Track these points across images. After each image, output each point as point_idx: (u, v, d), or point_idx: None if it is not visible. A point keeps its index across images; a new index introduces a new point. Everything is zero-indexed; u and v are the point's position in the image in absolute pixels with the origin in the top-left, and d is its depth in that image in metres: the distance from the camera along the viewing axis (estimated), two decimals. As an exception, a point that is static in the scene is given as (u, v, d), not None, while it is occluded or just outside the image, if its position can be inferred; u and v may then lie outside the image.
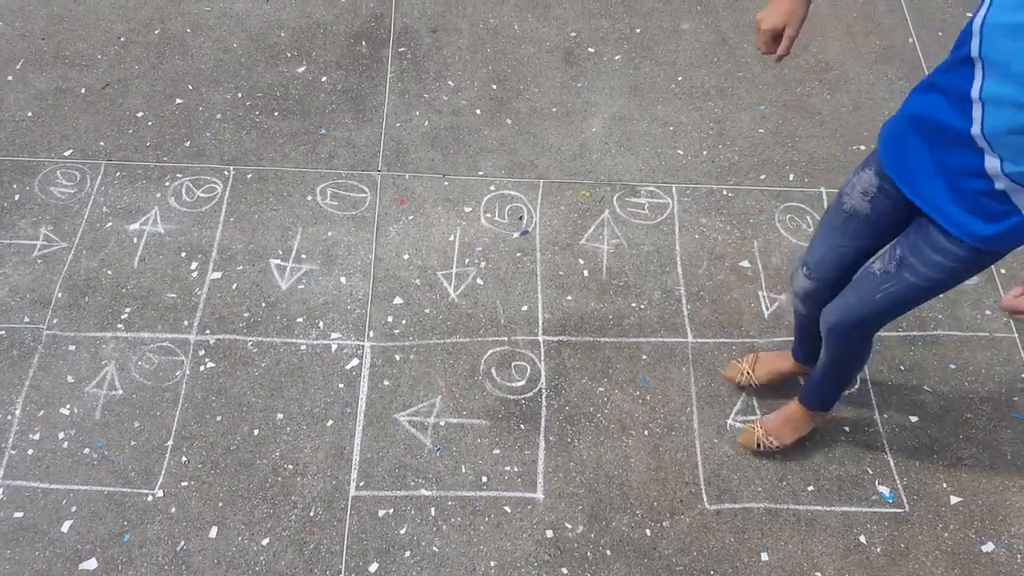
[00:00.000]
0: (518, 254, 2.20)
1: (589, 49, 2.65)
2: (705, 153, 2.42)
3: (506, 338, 2.05)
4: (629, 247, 2.21)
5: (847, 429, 1.93)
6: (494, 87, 2.54)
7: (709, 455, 1.88)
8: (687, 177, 2.36)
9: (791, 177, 2.39)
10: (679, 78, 2.60)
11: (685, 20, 2.76)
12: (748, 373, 1.92)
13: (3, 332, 1.99)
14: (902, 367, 2.03)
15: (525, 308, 2.10)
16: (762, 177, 2.38)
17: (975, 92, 1.12)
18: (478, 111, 2.48)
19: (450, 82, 2.54)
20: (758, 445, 1.84)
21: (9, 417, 1.87)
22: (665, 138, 2.45)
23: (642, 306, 2.11)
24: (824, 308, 1.57)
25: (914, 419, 1.95)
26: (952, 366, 2.04)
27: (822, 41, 2.73)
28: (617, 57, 2.64)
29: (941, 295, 1.45)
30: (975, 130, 1.15)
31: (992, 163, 1.17)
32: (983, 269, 1.36)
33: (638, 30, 2.71)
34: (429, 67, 2.58)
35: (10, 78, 2.49)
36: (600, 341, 2.04)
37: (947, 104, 1.19)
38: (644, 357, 2.02)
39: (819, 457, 1.88)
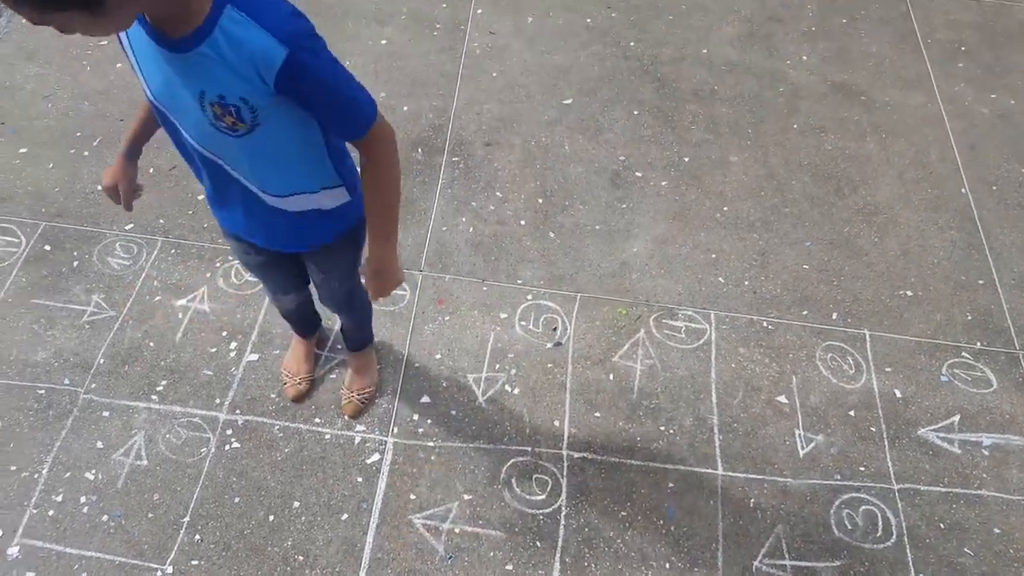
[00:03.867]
0: (549, 365, 2.48)
1: (636, 173, 3.06)
2: (747, 283, 2.73)
3: (529, 449, 2.28)
4: (663, 369, 2.47)
5: (881, 584, 2.06)
6: (540, 201, 2.94)
7: (732, 596, 2.03)
8: (727, 305, 2.66)
9: (834, 316, 2.66)
10: (724, 208, 2.96)
11: (734, 153, 3.17)
12: (303, 381, 2.35)
13: (43, 391, 2.31)
14: (942, 525, 2.18)
15: (551, 420, 2.34)
16: (804, 313, 2.66)
17: None
18: (523, 222, 2.87)
19: (498, 193, 2.95)
20: (360, 409, 2.32)
21: (36, 476, 2.14)
22: (707, 265, 2.77)
23: (672, 431, 2.33)
24: (323, 302, 2.14)
25: (954, 582, 2.08)
26: (996, 530, 2.18)
27: (872, 184, 3.09)
28: (664, 183, 3.03)
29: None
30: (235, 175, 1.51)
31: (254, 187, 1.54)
32: (347, 255, 1.85)
33: (686, 159, 3.13)
34: (480, 177, 3.01)
35: (86, 154, 3.00)
36: (626, 463, 2.26)
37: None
38: (671, 485, 2.22)
39: (850, 612, 2.01)
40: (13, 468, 2.15)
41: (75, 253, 2.67)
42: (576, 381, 2.44)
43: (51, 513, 2.08)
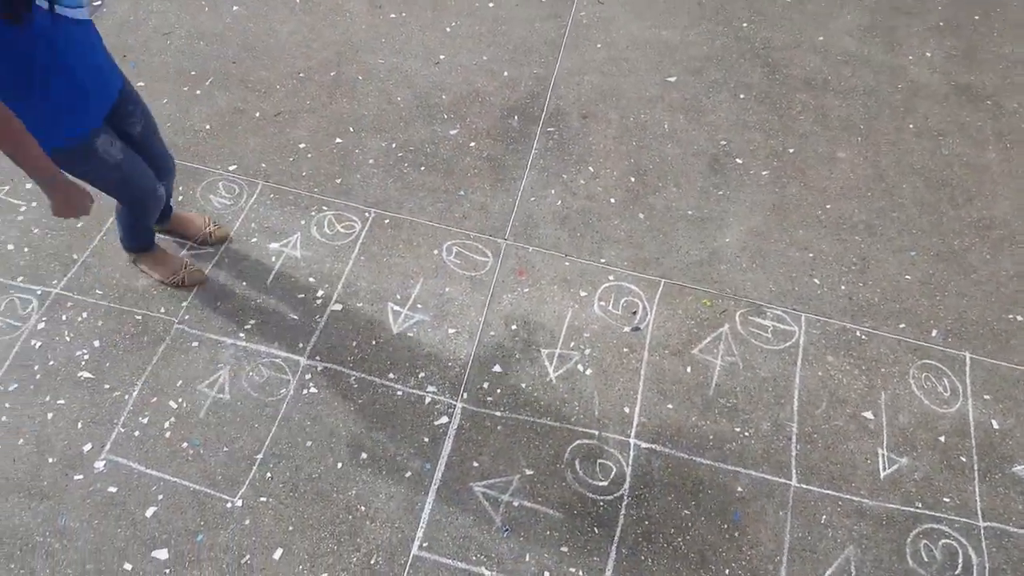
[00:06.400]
0: (625, 349, 2.30)
1: (737, 160, 2.79)
2: (843, 288, 2.45)
3: (596, 432, 2.13)
4: (744, 368, 2.26)
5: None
6: (632, 180, 2.72)
7: (792, 613, 1.84)
8: (820, 309, 2.40)
9: (934, 333, 2.37)
10: (827, 206, 2.67)
11: (843, 148, 2.85)
12: (186, 269, 2.35)
13: (140, 317, 2.30)
14: (1034, 572, 1.92)
15: (622, 406, 2.17)
16: (901, 326, 2.37)
17: None
18: (612, 200, 2.66)
19: (590, 168, 2.75)
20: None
21: (126, 396, 2.14)
22: (802, 264, 2.51)
23: (747, 434, 2.13)
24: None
25: (1040, 636, 1.83)
26: (1096, 586, 1.90)
27: (990, 196, 2.73)
28: (764, 172, 2.76)
29: None
30: None
31: None
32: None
33: (791, 150, 2.83)
34: (573, 150, 2.81)
35: (198, 92, 2.95)
36: (695, 460, 2.08)
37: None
38: (739, 489, 2.03)
39: (919, 649, 1.80)
40: (107, 386, 2.15)
41: (180, 188, 2.64)
42: (651, 369, 2.25)
43: (136, 434, 2.07)
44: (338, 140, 2.80)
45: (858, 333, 2.35)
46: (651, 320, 2.36)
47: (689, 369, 2.25)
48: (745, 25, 3.27)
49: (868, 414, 2.19)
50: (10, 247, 2.44)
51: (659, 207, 2.65)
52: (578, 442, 2.11)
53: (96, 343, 2.23)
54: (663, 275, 2.47)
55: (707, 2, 3.37)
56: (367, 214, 2.58)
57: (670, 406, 2.17)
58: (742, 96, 3.00)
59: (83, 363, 2.20)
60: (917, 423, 2.18)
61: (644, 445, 2.10)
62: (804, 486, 2.05)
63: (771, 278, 2.47)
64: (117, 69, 1.84)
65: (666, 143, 2.84)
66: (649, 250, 2.53)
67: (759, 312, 2.39)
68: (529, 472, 2.05)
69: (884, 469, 2.09)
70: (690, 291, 2.43)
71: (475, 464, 2.06)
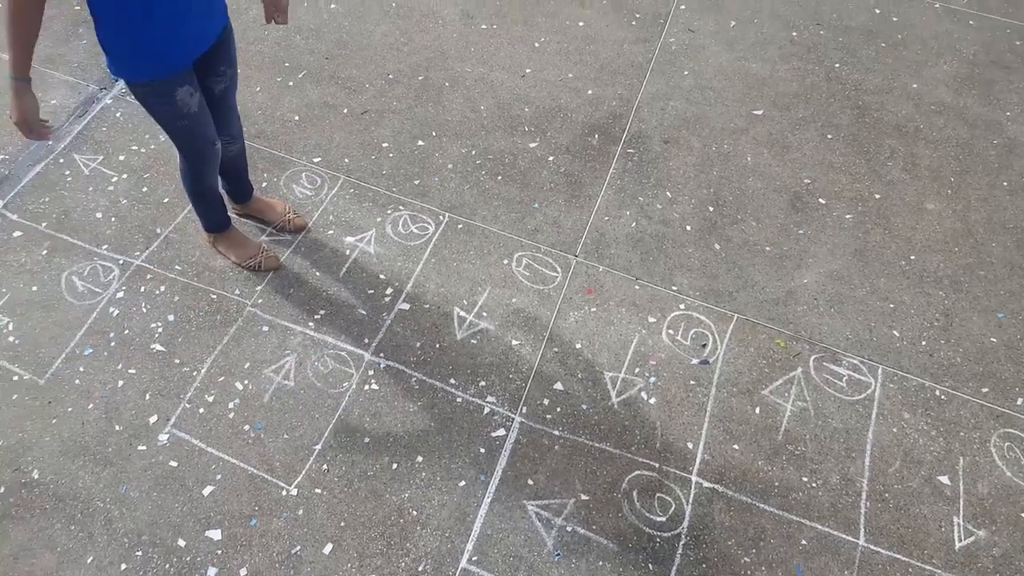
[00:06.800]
0: (691, 382, 2.22)
1: (820, 200, 2.70)
2: (924, 344, 2.33)
3: (657, 465, 2.05)
4: (816, 416, 2.16)
5: None
6: (711, 209, 2.65)
7: None
8: (898, 363, 2.28)
9: (1019, 401, 2.23)
10: (912, 256, 2.55)
11: (932, 200, 2.73)
12: (263, 254, 2.38)
13: (215, 296, 2.32)
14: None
15: (684, 441, 2.10)
16: (984, 391, 2.24)
17: None
18: (688, 227, 2.60)
19: (668, 193, 2.69)
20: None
21: (195, 373, 2.16)
22: (883, 314, 2.40)
23: (815, 485, 2.03)
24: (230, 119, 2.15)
25: None
26: None
27: (1089, 264, 2.58)
28: (848, 216, 2.66)
29: None
30: None
31: None
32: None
33: (877, 195, 2.73)
34: (651, 173, 2.75)
35: (291, 84, 3.00)
36: (758, 506, 1.98)
37: None
38: (804, 542, 1.93)
39: None
40: (177, 361, 2.17)
41: (265, 175, 2.67)
42: (718, 406, 2.17)
43: (201, 411, 2.08)
44: (420, 143, 2.80)
45: (937, 392, 2.23)
46: (721, 355, 2.28)
47: (758, 410, 2.16)
48: (837, 66, 3.18)
49: (944, 479, 2.06)
50: (98, 215, 2.50)
51: (736, 240, 2.57)
52: (637, 472, 2.04)
53: (171, 317, 2.26)
54: (736, 310, 2.39)
55: (799, 39, 3.29)
56: (441, 217, 2.57)
57: (736, 447, 2.09)
58: (829, 136, 2.91)
59: (157, 335, 2.23)
60: (998, 495, 2.04)
61: (706, 484, 2.02)
62: (872, 547, 1.93)
63: (849, 325, 2.36)
64: (221, 13, 1.87)
65: (748, 176, 2.76)
66: (723, 282, 2.45)
67: (834, 359, 2.28)
68: (585, 497, 1.98)
69: (960, 540, 1.96)
70: (764, 329, 2.34)
71: (530, 482, 2.00)
